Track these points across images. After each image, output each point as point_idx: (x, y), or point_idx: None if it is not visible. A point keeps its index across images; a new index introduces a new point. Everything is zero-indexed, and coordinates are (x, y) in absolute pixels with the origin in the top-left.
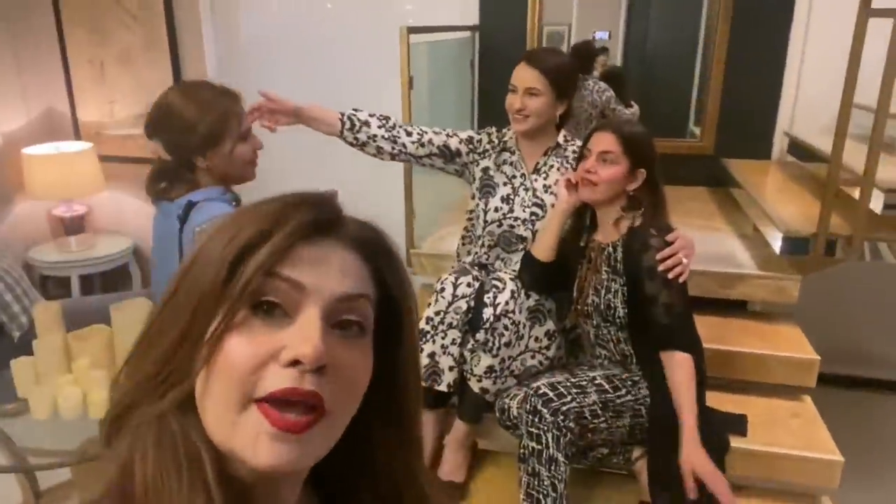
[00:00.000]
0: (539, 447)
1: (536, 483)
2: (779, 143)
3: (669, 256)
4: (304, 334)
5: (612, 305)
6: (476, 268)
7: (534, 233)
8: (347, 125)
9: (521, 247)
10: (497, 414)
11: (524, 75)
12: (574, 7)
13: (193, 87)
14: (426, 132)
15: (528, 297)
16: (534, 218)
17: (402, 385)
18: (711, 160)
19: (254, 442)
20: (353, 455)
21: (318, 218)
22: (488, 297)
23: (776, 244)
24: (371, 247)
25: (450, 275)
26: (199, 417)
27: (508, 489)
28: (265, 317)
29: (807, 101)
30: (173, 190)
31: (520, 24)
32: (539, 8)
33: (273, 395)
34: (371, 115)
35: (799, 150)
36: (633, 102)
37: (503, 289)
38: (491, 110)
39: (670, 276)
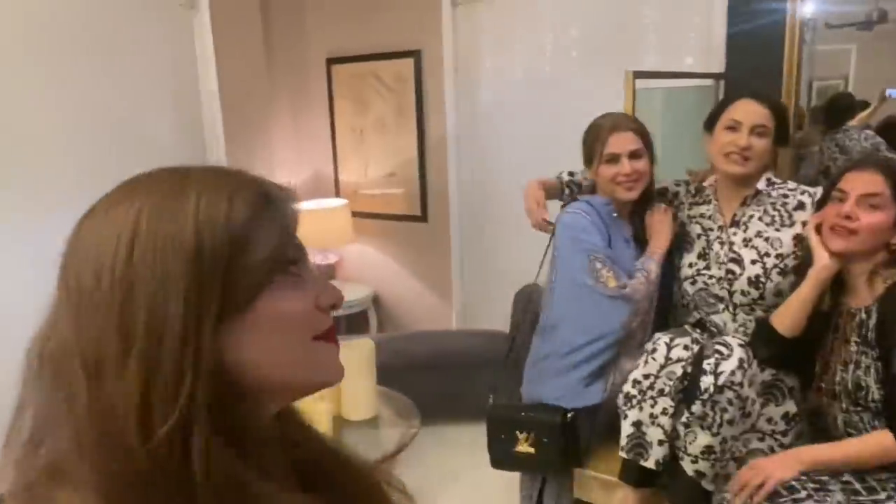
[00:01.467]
0: None
1: None
2: None
3: None
4: (326, 284)
5: (864, 385)
6: (697, 329)
7: (731, 293)
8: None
9: (720, 307)
10: None
11: (752, 110)
12: (852, 58)
13: (593, 121)
14: None
15: (762, 369)
16: (730, 276)
17: None
18: None
19: (331, 365)
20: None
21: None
22: (708, 364)
23: None
24: None
25: (664, 334)
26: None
27: None
28: (290, 275)
29: None
30: None
31: (774, 75)
32: (798, 59)
33: (329, 330)
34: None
35: None
36: None
37: (728, 356)
38: None
39: None
